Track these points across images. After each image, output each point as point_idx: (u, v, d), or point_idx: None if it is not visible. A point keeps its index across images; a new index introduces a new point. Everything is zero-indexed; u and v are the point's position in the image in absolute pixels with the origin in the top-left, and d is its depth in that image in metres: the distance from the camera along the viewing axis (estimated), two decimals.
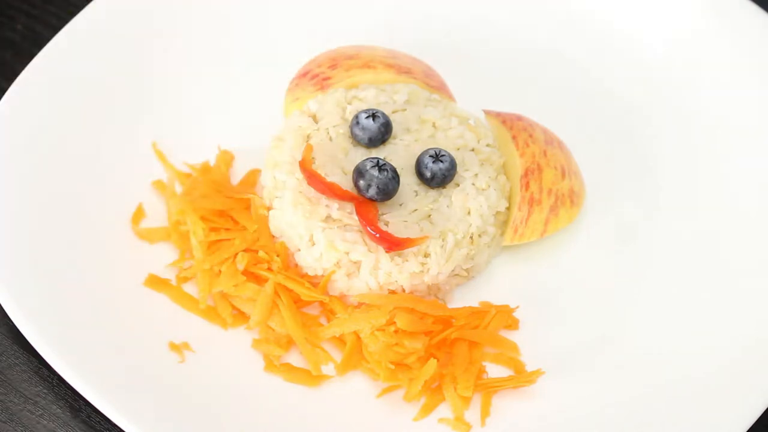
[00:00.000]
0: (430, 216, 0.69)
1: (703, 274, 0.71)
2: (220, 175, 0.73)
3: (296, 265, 0.70)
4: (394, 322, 0.66)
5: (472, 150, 0.73)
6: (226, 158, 0.74)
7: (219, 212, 0.70)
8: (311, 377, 0.66)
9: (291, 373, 0.66)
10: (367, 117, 0.71)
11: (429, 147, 0.71)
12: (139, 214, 0.71)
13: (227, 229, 0.70)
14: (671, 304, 0.70)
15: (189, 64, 0.79)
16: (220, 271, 0.68)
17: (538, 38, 0.84)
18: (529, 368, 0.67)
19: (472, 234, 0.70)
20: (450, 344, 0.67)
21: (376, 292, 0.68)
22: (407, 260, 0.68)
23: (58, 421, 0.65)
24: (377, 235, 0.67)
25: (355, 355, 0.66)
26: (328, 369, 0.66)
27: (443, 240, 0.69)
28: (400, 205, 0.70)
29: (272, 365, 0.66)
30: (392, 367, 0.65)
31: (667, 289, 0.71)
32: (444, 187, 0.71)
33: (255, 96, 0.79)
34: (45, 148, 0.72)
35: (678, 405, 0.64)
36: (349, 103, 0.74)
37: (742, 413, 0.63)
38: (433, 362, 0.65)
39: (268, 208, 0.71)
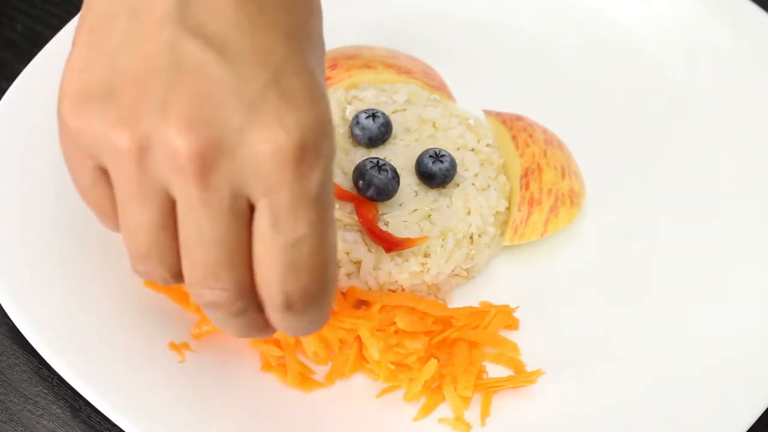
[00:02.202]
0: (430, 216, 0.69)
1: (703, 274, 0.71)
2: None
3: None
4: (395, 322, 0.66)
5: (472, 150, 0.73)
6: None
7: None
8: (309, 377, 0.66)
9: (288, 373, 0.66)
10: (367, 117, 0.71)
11: (429, 147, 0.71)
12: None
13: None
14: (671, 303, 0.70)
15: None
16: None
17: (538, 38, 0.84)
18: (529, 368, 0.67)
19: (472, 234, 0.70)
20: (450, 344, 0.67)
21: (377, 292, 0.68)
22: (407, 260, 0.68)
23: (58, 421, 0.65)
24: (377, 235, 0.67)
25: (355, 356, 0.66)
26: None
27: (443, 240, 0.69)
28: (400, 205, 0.70)
29: (269, 365, 0.66)
30: (392, 367, 0.65)
31: (667, 288, 0.71)
32: (444, 187, 0.71)
33: None
34: (45, 148, 0.72)
35: (678, 405, 0.64)
36: (349, 103, 0.74)
37: (742, 413, 0.63)
38: (433, 362, 0.64)
39: None
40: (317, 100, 0.48)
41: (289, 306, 0.50)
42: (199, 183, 0.47)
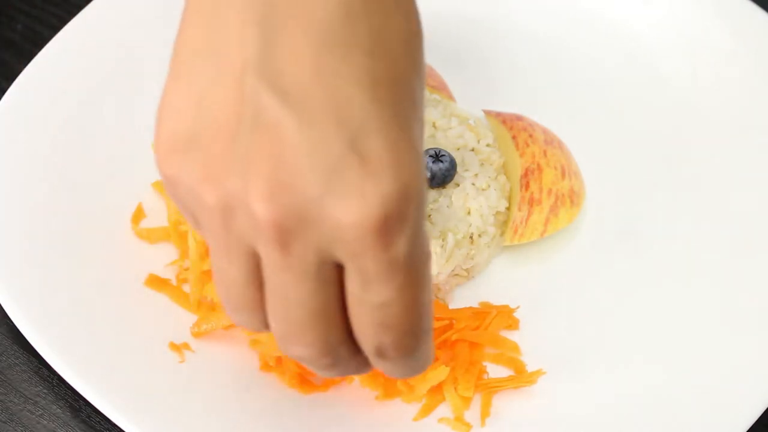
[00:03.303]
0: (430, 216, 0.69)
1: (703, 274, 0.71)
2: None
3: None
4: None
5: (472, 150, 0.73)
6: None
7: None
8: (308, 379, 0.66)
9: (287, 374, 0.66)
10: None
11: (429, 147, 0.71)
12: (139, 214, 0.71)
13: None
14: (672, 303, 0.70)
15: None
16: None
17: (539, 38, 0.84)
18: (530, 368, 0.67)
19: (472, 234, 0.70)
20: (451, 345, 0.67)
21: None
22: None
23: (58, 421, 0.65)
24: None
25: None
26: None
27: (443, 240, 0.69)
28: None
29: (268, 365, 0.65)
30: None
31: (667, 288, 0.71)
32: (444, 187, 0.71)
33: None
34: (45, 148, 0.72)
35: (678, 405, 0.64)
36: None
37: (742, 413, 0.63)
38: (444, 369, 0.64)
39: None
40: (403, 161, 0.45)
41: (382, 355, 0.49)
42: (281, 250, 0.45)
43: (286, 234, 0.45)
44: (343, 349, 0.50)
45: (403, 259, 0.46)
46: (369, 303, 0.47)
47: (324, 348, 0.49)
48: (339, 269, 0.47)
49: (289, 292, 0.47)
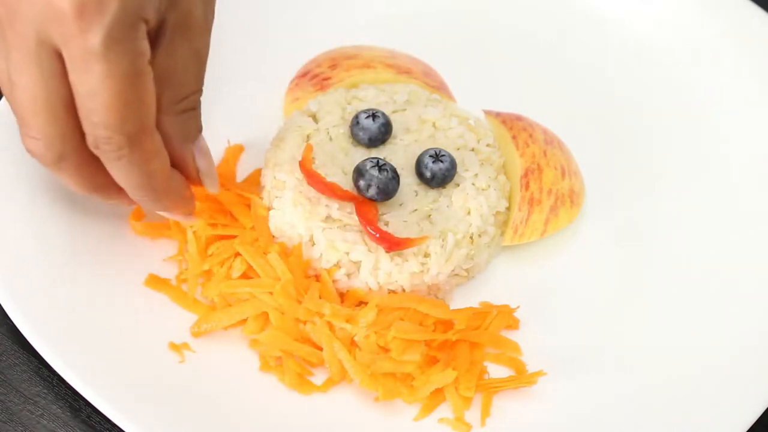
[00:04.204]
0: (430, 216, 0.69)
1: (703, 274, 0.71)
2: (227, 170, 0.73)
3: None
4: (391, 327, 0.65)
5: (472, 150, 0.73)
6: (235, 152, 0.74)
7: (219, 208, 0.70)
8: (307, 379, 0.66)
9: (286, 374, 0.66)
10: (367, 117, 0.71)
11: (429, 147, 0.71)
12: (139, 212, 0.71)
13: (225, 225, 0.69)
14: (672, 303, 0.70)
15: None
16: (211, 271, 0.68)
17: (538, 38, 0.84)
18: (530, 368, 0.67)
19: (472, 234, 0.70)
20: (451, 345, 0.67)
21: (377, 292, 0.68)
22: (407, 260, 0.68)
23: (58, 421, 0.65)
24: (377, 235, 0.67)
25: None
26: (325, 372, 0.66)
27: (443, 240, 0.69)
28: (400, 205, 0.70)
29: (268, 365, 0.65)
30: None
31: (667, 288, 0.71)
32: (444, 187, 0.71)
33: (254, 96, 0.78)
34: None
35: (678, 405, 0.64)
36: (349, 103, 0.74)
37: (742, 413, 0.63)
38: (451, 373, 0.64)
39: (268, 209, 0.71)
40: None
41: (96, 146, 0.55)
42: (6, 28, 0.52)
43: (8, 12, 0.52)
44: (70, 147, 0.56)
45: (100, 49, 0.52)
46: (78, 91, 0.53)
47: (48, 141, 0.56)
48: (63, 64, 0.53)
49: (15, 73, 0.53)
